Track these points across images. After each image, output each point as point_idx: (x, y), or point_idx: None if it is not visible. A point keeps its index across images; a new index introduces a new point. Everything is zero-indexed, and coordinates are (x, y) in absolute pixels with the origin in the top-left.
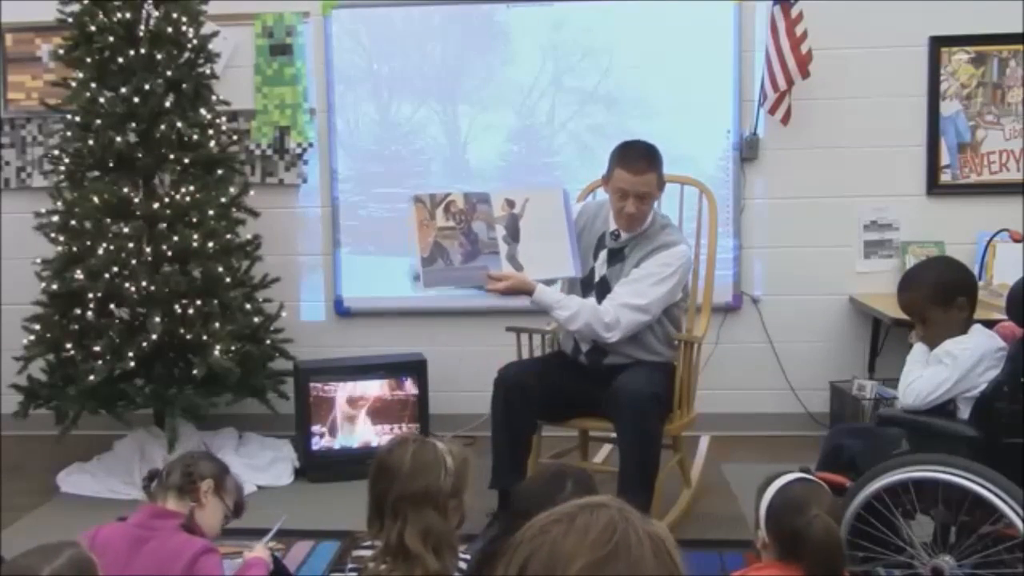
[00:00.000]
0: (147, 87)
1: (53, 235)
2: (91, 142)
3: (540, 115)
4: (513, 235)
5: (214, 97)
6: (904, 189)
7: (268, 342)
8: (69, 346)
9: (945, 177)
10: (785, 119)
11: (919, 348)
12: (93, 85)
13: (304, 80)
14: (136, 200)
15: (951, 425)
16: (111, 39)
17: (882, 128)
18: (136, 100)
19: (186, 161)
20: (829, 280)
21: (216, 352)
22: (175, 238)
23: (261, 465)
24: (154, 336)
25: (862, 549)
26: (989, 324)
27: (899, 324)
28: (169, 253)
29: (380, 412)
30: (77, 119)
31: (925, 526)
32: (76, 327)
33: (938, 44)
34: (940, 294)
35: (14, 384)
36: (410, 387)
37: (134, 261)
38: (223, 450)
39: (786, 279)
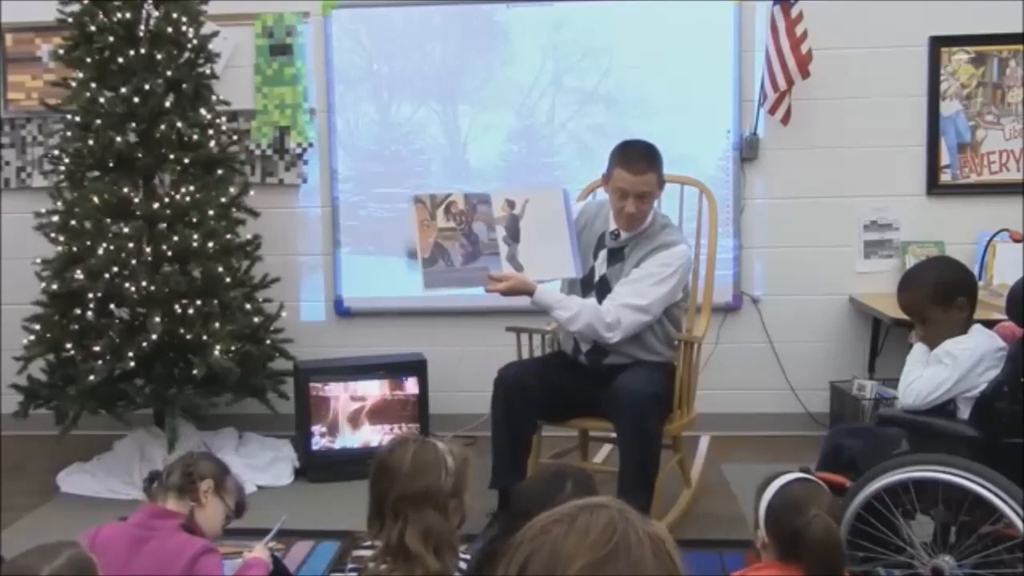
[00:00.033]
0: (147, 87)
1: (53, 235)
2: (91, 142)
3: (540, 115)
4: (513, 236)
5: (214, 97)
6: (904, 189)
7: (268, 342)
8: (69, 346)
9: (945, 177)
10: (785, 119)
11: (919, 348)
12: (93, 85)
13: (304, 80)
14: (136, 200)
15: (951, 425)
16: (111, 39)
17: (882, 128)
18: (136, 100)
19: (186, 161)
20: (829, 280)
21: (216, 352)
22: (175, 238)
23: (261, 465)
24: (154, 336)
25: (862, 549)
26: (989, 324)
27: (899, 324)
28: (169, 253)
29: (380, 412)
30: (77, 119)
31: (925, 526)
32: (76, 327)
33: (938, 44)
34: (940, 294)
35: (14, 384)
36: (410, 387)
37: (134, 261)
38: (223, 450)
39: (786, 279)
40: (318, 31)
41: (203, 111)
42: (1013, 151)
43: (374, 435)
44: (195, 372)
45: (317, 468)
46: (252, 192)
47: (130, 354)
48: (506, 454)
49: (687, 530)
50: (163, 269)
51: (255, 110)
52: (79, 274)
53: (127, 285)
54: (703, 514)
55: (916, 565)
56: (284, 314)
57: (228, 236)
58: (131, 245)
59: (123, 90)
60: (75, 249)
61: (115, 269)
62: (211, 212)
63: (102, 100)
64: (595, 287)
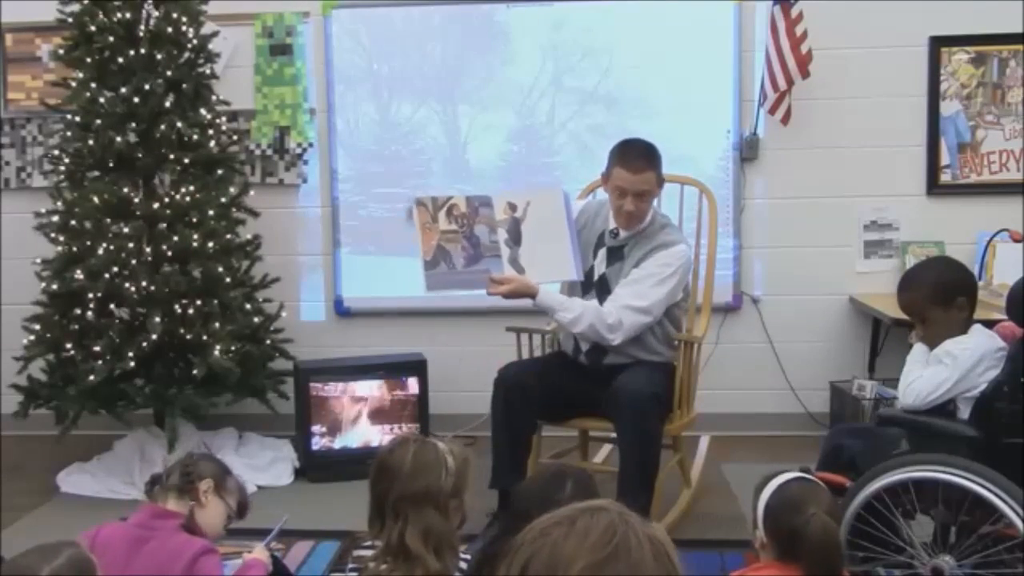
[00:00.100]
0: (147, 87)
1: (53, 235)
2: (91, 142)
3: (540, 115)
4: (515, 238)
5: (214, 97)
6: (904, 189)
7: (268, 342)
8: (69, 346)
9: (945, 177)
10: (785, 119)
11: (919, 348)
12: (93, 85)
13: (304, 80)
14: (136, 200)
15: (951, 425)
16: (111, 39)
17: (882, 128)
18: (136, 100)
19: (186, 161)
20: (829, 280)
21: (216, 352)
22: (175, 238)
23: (261, 465)
24: (154, 336)
25: (862, 549)
26: (989, 324)
27: (899, 324)
28: (169, 253)
29: (380, 412)
30: (77, 119)
31: (925, 526)
32: (76, 327)
33: (938, 44)
34: (940, 294)
35: (14, 384)
36: (410, 387)
37: (134, 261)
38: (223, 450)
39: (786, 279)
40: (318, 31)
41: (203, 111)
42: (1013, 151)
43: (374, 435)
44: (195, 372)
45: (317, 468)
46: (252, 192)
47: (130, 354)
48: (506, 454)
49: (687, 530)
50: (163, 269)
51: (255, 110)
52: (79, 274)
53: (127, 285)
54: (703, 514)
55: (916, 565)
56: (284, 314)
57: (228, 236)
58: (131, 245)
59: (123, 90)
60: (75, 249)
61: (115, 269)
62: (211, 212)
63: (102, 100)
64: (594, 286)
